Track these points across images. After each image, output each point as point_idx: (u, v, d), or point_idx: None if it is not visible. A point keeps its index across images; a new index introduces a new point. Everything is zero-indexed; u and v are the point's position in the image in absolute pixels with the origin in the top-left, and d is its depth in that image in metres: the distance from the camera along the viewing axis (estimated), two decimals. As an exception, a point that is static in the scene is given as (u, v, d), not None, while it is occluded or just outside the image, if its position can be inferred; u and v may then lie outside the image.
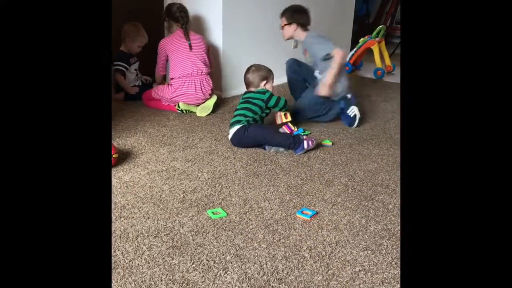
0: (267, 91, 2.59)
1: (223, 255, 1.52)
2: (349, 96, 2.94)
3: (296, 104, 2.96)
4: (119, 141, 2.45)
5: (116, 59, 3.20)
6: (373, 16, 6.20)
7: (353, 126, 2.89)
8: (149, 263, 1.46)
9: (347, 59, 4.40)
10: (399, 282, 1.43)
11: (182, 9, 3.04)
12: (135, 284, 1.36)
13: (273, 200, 1.91)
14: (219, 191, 1.97)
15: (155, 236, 1.61)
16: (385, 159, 2.41)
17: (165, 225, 1.68)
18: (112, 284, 1.36)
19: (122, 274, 1.40)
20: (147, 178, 2.06)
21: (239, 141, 2.44)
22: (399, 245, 1.61)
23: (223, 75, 3.37)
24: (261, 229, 1.69)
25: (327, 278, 1.43)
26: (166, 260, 1.48)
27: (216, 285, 1.38)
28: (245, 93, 2.64)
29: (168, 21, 3.12)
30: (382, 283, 1.43)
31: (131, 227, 1.66)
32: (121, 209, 1.78)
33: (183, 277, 1.41)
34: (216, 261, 1.49)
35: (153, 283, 1.37)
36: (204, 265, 1.46)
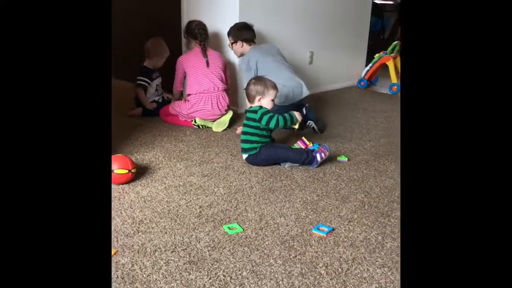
0: (260, 108, 2.40)
1: (239, 270, 1.53)
2: (304, 110, 2.88)
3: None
4: (137, 156, 2.49)
5: (139, 73, 3.27)
6: (388, 31, 6.21)
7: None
8: (166, 278, 1.48)
9: (362, 75, 4.42)
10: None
11: (201, 26, 3.10)
12: (152, 299, 1.38)
13: (289, 216, 1.92)
14: (235, 206, 1.98)
15: (172, 251, 1.63)
16: (402, 175, 2.39)
17: (182, 240, 1.70)
18: (130, 299, 1.37)
19: (140, 288, 1.42)
20: (164, 193, 2.09)
21: (252, 163, 2.45)
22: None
23: (239, 91, 3.41)
24: (277, 245, 1.69)
25: (343, 296, 1.43)
26: (183, 275, 1.50)
27: (232, 301, 1.38)
28: (246, 110, 2.55)
29: (188, 38, 3.18)
30: (400, 301, 1.42)
31: (149, 241, 1.68)
32: (139, 224, 1.80)
33: (200, 292, 1.42)
34: (233, 277, 1.50)
35: (170, 298, 1.39)
36: (220, 281, 1.47)
